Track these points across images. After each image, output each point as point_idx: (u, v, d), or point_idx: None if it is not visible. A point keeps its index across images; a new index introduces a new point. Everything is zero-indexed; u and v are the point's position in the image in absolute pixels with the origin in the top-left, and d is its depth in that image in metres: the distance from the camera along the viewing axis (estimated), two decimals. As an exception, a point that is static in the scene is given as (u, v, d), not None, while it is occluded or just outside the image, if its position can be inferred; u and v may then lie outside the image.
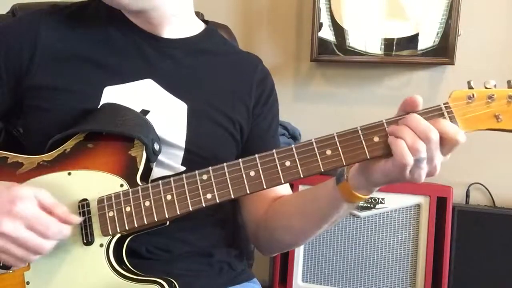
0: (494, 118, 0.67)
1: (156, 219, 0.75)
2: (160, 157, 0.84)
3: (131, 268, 0.77)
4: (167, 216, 0.74)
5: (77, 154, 0.80)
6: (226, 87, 0.95)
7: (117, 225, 0.75)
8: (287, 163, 0.71)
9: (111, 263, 0.75)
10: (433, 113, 0.67)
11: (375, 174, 0.70)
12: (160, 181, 0.75)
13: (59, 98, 0.84)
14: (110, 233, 0.75)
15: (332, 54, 1.93)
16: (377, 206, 1.70)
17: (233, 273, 0.95)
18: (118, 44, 0.89)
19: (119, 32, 0.90)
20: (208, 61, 0.96)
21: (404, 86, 1.94)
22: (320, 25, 1.91)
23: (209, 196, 0.73)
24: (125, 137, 0.79)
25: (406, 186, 1.64)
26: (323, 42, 1.92)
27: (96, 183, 0.78)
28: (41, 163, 0.80)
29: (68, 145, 0.80)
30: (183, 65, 0.92)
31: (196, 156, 0.87)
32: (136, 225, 0.75)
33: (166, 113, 0.87)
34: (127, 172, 0.78)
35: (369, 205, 1.70)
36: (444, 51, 1.82)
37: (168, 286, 0.74)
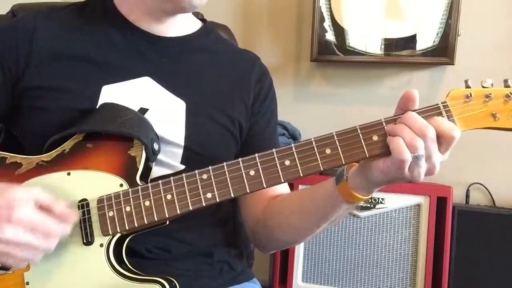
0: (491, 116, 0.68)
1: (156, 219, 0.75)
2: (159, 155, 0.84)
3: (131, 268, 0.77)
4: (167, 215, 0.74)
5: (76, 154, 0.79)
6: (224, 84, 0.95)
7: (117, 225, 0.75)
8: (287, 162, 0.71)
9: (112, 263, 0.75)
10: (431, 112, 0.68)
11: (374, 174, 0.70)
12: (160, 181, 0.75)
13: (57, 98, 0.84)
14: (110, 233, 0.76)
15: (332, 54, 1.93)
16: (377, 206, 1.70)
17: (233, 273, 0.95)
18: (116, 42, 0.90)
19: (116, 31, 0.90)
20: (206, 59, 0.96)
21: (404, 86, 1.95)
22: (320, 25, 1.92)
23: (209, 195, 0.73)
24: (125, 137, 0.79)
25: (406, 186, 1.64)
26: (323, 42, 1.93)
27: (96, 183, 0.78)
28: (40, 163, 0.80)
29: (67, 145, 0.80)
30: (181, 63, 0.92)
31: (195, 154, 0.87)
32: (136, 225, 0.75)
33: (164, 111, 0.87)
34: (127, 172, 0.78)
35: (369, 205, 1.71)
36: (444, 51, 1.82)
37: (169, 285, 0.74)
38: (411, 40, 1.85)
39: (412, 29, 1.84)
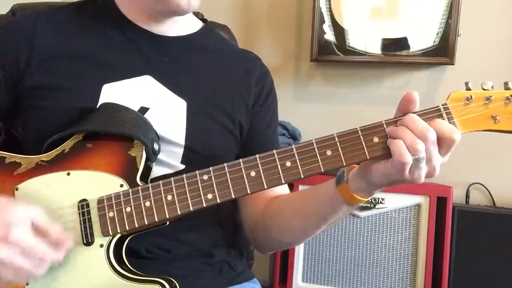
0: (491, 119, 0.68)
1: (156, 219, 0.74)
2: (159, 155, 0.84)
3: (131, 268, 0.77)
4: (167, 216, 0.74)
5: (76, 154, 0.79)
6: (225, 84, 0.95)
7: (118, 225, 0.75)
8: (288, 164, 0.71)
9: (112, 263, 0.75)
10: (432, 114, 0.68)
11: (375, 176, 0.70)
12: (160, 181, 0.75)
13: (57, 97, 0.84)
14: (111, 233, 0.75)
15: (332, 54, 1.93)
16: (377, 206, 1.70)
17: (233, 273, 0.95)
18: (116, 41, 0.90)
19: (117, 29, 0.90)
20: (207, 59, 0.96)
21: (404, 86, 1.95)
22: (320, 25, 1.91)
23: (210, 196, 0.73)
24: (125, 137, 0.79)
25: (406, 186, 1.63)
26: (323, 42, 1.93)
27: (96, 183, 0.77)
28: (39, 163, 0.80)
29: (67, 145, 0.80)
30: (182, 62, 0.92)
31: (195, 154, 0.87)
32: (136, 226, 0.75)
33: (165, 111, 0.87)
34: (127, 172, 0.78)
35: (369, 205, 1.71)
36: (444, 51, 1.82)
37: (169, 285, 0.74)
38: (411, 40, 1.85)
39: (412, 29, 1.84)
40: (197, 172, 0.74)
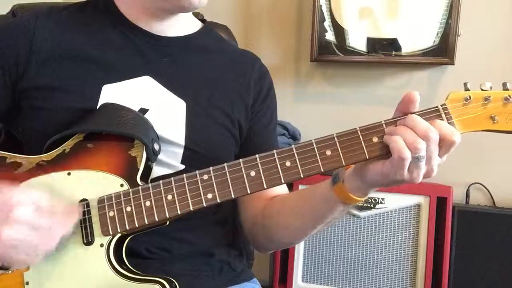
0: (490, 119, 0.68)
1: (157, 219, 0.75)
2: (159, 155, 0.84)
3: (132, 268, 0.77)
4: (168, 216, 0.74)
5: (77, 154, 0.79)
6: (224, 85, 0.95)
7: (118, 225, 0.75)
8: (288, 163, 0.71)
9: (112, 263, 0.75)
10: (431, 114, 0.68)
11: (372, 176, 0.70)
12: (160, 181, 0.75)
13: (57, 97, 0.84)
14: (111, 233, 0.76)
15: (332, 54, 1.93)
16: (377, 206, 1.70)
17: (233, 273, 0.95)
18: (116, 42, 0.90)
19: (116, 30, 0.91)
20: (206, 59, 0.96)
21: (404, 86, 1.95)
22: (320, 25, 1.92)
23: (210, 196, 0.73)
24: (125, 137, 0.79)
25: (406, 186, 1.63)
26: (323, 42, 1.93)
27: (96, 183, 0.78)
28: (40, 163, 0.80)
29: (68, 145, 0.80)
30: (181, 63, 0.92)
31: (195, 154, 0.88)
32: (136, 225, 0.75)
33: (165, 111, 0.87)
34: (127, 172, 0.78)
35: (369, 205, 1.71)
36: (444, 51, 1.82)
37: (169, 285, 0.74)
38: (411, 40, 1.85)
39: (412, 29, 1.84)
40: (197, 172, 0.74)
